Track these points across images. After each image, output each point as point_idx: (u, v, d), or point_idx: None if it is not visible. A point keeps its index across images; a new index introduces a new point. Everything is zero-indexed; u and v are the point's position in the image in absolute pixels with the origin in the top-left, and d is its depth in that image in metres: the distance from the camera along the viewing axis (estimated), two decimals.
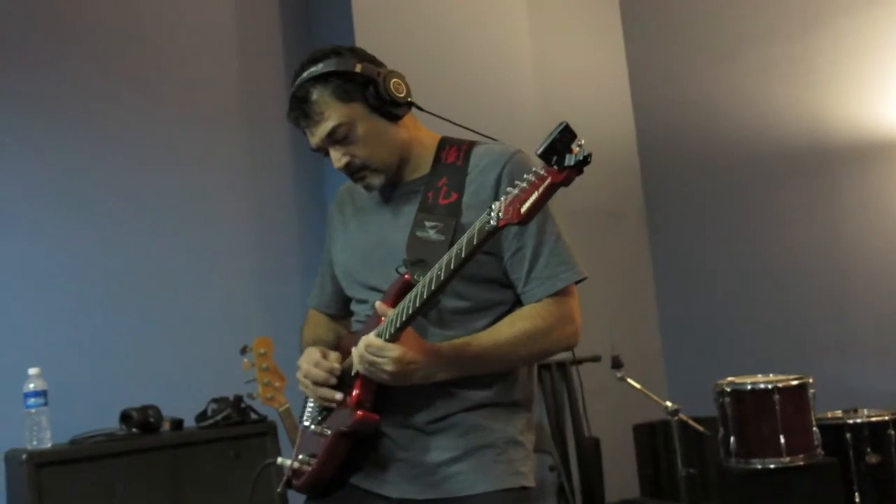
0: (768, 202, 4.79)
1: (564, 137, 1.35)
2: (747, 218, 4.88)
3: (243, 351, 3.20)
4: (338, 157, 1.85)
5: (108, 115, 3.73)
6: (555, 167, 1.36)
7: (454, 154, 1.88)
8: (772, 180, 4.78)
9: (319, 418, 1.88)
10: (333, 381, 1.82)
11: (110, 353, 3.57)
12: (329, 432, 1.82)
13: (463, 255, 1.54)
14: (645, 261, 5.24)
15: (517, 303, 1.84)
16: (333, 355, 1.87)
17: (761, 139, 4.80)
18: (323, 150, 1.87)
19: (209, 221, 3.92)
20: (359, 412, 1.74)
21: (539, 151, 1.37)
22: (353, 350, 1.73)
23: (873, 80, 4.43)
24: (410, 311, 1.62)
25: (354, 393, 1.75)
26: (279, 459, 1.91)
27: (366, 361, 1.68)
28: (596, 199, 4.75)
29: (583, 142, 1.35)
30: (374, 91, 1.81)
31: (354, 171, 1.87)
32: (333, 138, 1.82)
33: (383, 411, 1.76)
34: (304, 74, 1.83)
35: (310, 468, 1.85)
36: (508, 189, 1.45)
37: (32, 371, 3.06)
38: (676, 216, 5.20)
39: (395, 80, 1.84)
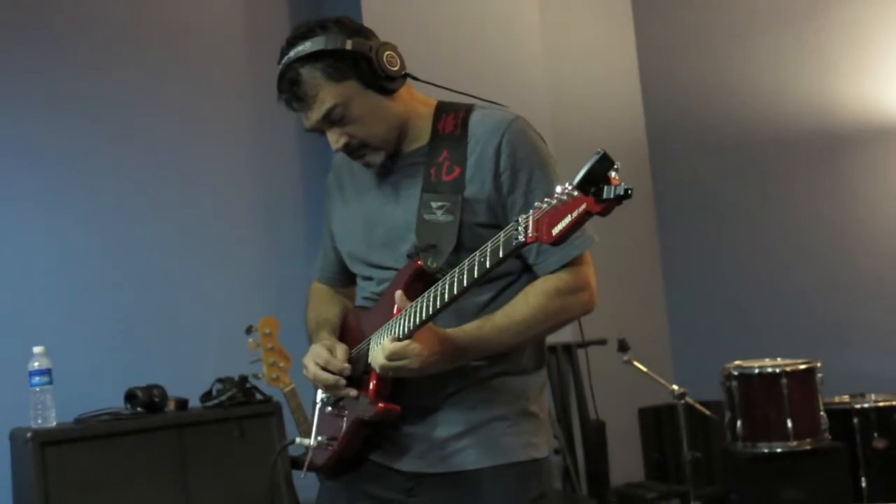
0: (777, 186, 4.77)
1: (602, 166, 1.31)
2: (755, 201, 4.85)
3: (248, 331, 3.20)
4: (335, 139, 1.79)
5: (114, 96, 3.70)
6: (592, 197, 1.31)
7: (452, 122, 1.81)
8: (781, 164, 4.75)
9: (336, 398, 1.86)
10: (343, 382, 1.79)
11: (115, 332, 3.56)
12: (346, 413, 1.80)
13: (487, 265, 1.50)
14: (652, 244, 5.22)
15: (524, 271, 1.81)
16: (341, 351, 1.81)
17: (770, 122, 4.77)
18: (319, 131, 1.82)
19: (214, 201, 3.90)
20: (380, 404, 1.71)
21: (576, 182, 1.32)
22: (370, 354, 1.70)
23: (883, 64, 4.40)
24: (430, 312, 1.59)
25: (372, 384, 1.72)
26: (297, 440, 1.88)
27: (389, 369, 1.65)
28: None
29: (618, 166, 1.31)
30: (367, 67, 1.74)
31: (353, 151, 1.82)
32: (329, 120, 1.76)
33: (396, 391, 1.74)
34: (292, 53, 1.75)
35: (330, 451, 1.84)
36: (536, 204, 1.40)
37: (37, 349, 3.05)
38: (684, 199, 5.17)
39: (388, 52, 1.76)
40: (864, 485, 3.79)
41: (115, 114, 3.71)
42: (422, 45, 3.88)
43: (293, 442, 1.91)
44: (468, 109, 1.84)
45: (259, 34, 4.08)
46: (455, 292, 1.55)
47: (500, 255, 1.47)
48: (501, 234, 1.47)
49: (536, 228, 1.38)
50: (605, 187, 1.30)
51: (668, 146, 5.23)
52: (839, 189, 4.55)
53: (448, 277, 1.57)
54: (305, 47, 1.74)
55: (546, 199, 1.38)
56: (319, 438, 1.85)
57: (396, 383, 1.73)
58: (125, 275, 3.64)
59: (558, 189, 1.35)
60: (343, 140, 1.79)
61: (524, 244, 1.42)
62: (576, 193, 1.32)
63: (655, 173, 5.27)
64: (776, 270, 4.75)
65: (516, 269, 1.81)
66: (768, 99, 4.78)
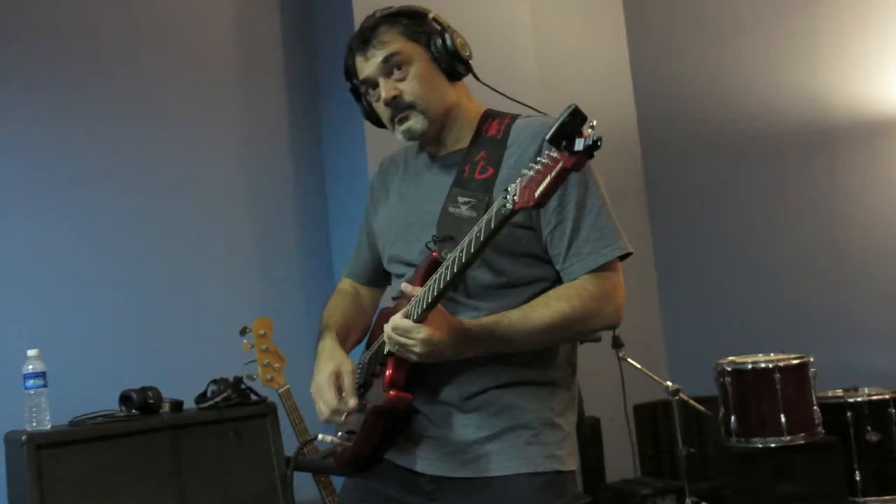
0: (769, 181, 4.78)
1: (574, 120, 1.32)
2: (748, 197, 4.86)
3: (243, 332, 3.20)
4: (388, 88, 1.81)
5: (105, 95, 3.70)
6: (565, 152, 1.33)
7: (495, 127, 1.85)
8: (773, 159, 4.76)
9: (360, 392, 1.86)
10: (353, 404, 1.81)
11: (110, 334, 3.55)
12: (367, 406, 1.82)
13: (482, 238, 1.50)
14: (645, 240, 5.23)
15: (558, 279, 1.78)
16: (348, 385, 1.80)
17: (762, 117, 4.78)
18: (371, 83, 1.84)
19: (208, 202, 3.90)
20: (391, 392, 1.72)
21: (548, 136, 1.33)
22: (384, 329, 1.69)
23: (874, 59, 4.40)
24: (435, 293, 1.58)
25: (387, 373, 1.72)
26: (320, 436, 1.88)
27: (395, 343, 1.64)
28: None
29: (594, 123, 1.32)
30: (440, 41, 1.83)
31: (400, 109, 1.82)
32: (388, 65, 1.81)
33: (417, 388, 1.74)
34: (377, 14, 1.85)
35: (349, 444, 1.84)
36: (524, 171, 1.41)
37: (31, 352, 3.04)
38: (677, 195, 5.17)
39: (461, 39, 1.86)
40: (857, 478, 3.81)
41: (110, 118, 3.70)
42: None
43: (316, 438, 1.90)
44: (514, 117, 1.87)
45: (251, 36, 4.07)
46: (455, 270, 1.55)
47: (493, 225, 1.48)
48: (494, 206, 1.48)
49: (522, 195, 1.40)
50: (577, 140, 1.32)
51: (660, 141, 5.24)
52: (831, 182, 4.56)
53: (449, 258, 1.57)
54: (391, 9, 1.85)
55: (530, 165, 1.40)
56: (339, 433, 1.85)
57: (414, 373, 1.72)
58: (119, 277, 3.63)
59: (544, 153, 1.38)
60: (394, 92, 1.81)
61: (513, 211, 1.44)
62: (555, 154, 1.35)
63: (647, 169, 5.28)
64: (769, 265, 4.76)
65: (551, 276, 1.79)
66: (760, 92, 4.79)
